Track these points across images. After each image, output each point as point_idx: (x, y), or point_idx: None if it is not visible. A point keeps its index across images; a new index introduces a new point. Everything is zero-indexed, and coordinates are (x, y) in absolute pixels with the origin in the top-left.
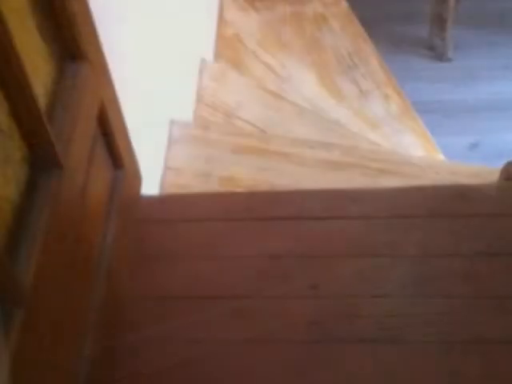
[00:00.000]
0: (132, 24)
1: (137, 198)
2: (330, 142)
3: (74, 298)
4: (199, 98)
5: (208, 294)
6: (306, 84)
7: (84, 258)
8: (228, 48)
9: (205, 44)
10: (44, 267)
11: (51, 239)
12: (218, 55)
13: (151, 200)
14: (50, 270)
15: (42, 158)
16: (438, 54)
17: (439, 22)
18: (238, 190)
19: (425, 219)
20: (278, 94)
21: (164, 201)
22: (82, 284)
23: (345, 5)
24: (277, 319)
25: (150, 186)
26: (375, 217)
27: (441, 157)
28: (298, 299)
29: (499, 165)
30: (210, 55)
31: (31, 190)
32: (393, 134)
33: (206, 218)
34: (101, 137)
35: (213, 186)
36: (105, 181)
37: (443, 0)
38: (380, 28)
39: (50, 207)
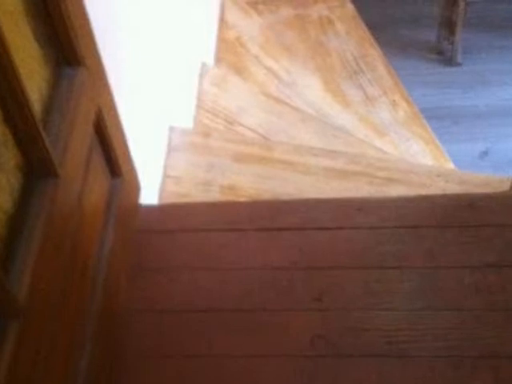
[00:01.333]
0: (130, 28)
1: (135, 208)
2: (335, 150)
3: (70, 310)
4: (199, 104)
5: (209, 307)
6: (310, 89)
7: (80, 270)
8: (229, 52)
9: (205, 48)
10: (39, 278)
11: (46, 250)
12: (218, 59)
13: (150, 209)
14: (46, 282)
15: (37, 166)
16: (446, 58)
17: (448, 25)
18: (240, 199)
19: (433, 230)
20: (281, 99)
21: (163, 210)
22: (78, 296)
23: (350, 8)
24: (280, 333)
25: (149, 195)
26: (382, 227)
27: (450, 165)
28: (302, 312)
29: (510, 173)
30: (210, 59)
31: (26, 199)
32: (400, 141)
33: (206, 229)
34: (98, 144)
35: (214, 195)
36: (102, 190)
37: (453, 2)
38: (387, 32)
39: (45, 217)
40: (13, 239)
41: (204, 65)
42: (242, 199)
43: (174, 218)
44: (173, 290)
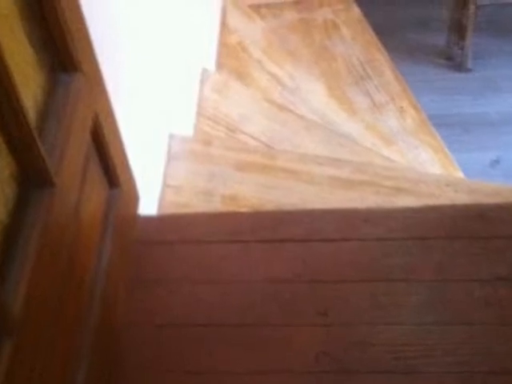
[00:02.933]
0: (129, 31)
1: (134, 218)
2: (341, 158)
3: (66, 322)
4: (200, 111)
5: (210, 321)
6: (314, 96)
7: (77, 282)
8: (231, 57)
9: (206, 53)
10: (34, 292)
11: (42, 261)
12: (220, 65)
13: (149, 220)
14: (42, 293)
15: (32, 175)
16: (456, 63)
17: (458, 29)
18: (242, 209)
19: (442, 241)
20: (284, 106)
21: (163, 221)
22: (75, 307)
23: (357, 11)
24: (283, 348)
25: (148, 205)
26: (389, 238)
27: (459, 174)
28: (306, 327)
29: None
30: (211, 65)
31: (21, 209)
32: (408, 149)
33: (207, 240)
34: (95, 152)
35: (215, 206)
36: (99, 199)
37: (462, 5)
38: (394, 36)
39: (40, 228)
40: (8, 250)
41: (205, 70)
42: (244, 209)
43: (174, 228)
44: (172, 302)
